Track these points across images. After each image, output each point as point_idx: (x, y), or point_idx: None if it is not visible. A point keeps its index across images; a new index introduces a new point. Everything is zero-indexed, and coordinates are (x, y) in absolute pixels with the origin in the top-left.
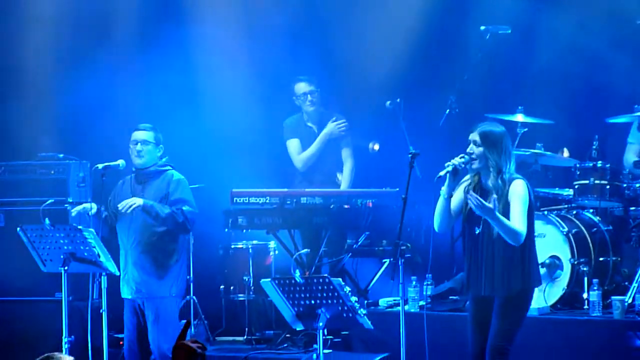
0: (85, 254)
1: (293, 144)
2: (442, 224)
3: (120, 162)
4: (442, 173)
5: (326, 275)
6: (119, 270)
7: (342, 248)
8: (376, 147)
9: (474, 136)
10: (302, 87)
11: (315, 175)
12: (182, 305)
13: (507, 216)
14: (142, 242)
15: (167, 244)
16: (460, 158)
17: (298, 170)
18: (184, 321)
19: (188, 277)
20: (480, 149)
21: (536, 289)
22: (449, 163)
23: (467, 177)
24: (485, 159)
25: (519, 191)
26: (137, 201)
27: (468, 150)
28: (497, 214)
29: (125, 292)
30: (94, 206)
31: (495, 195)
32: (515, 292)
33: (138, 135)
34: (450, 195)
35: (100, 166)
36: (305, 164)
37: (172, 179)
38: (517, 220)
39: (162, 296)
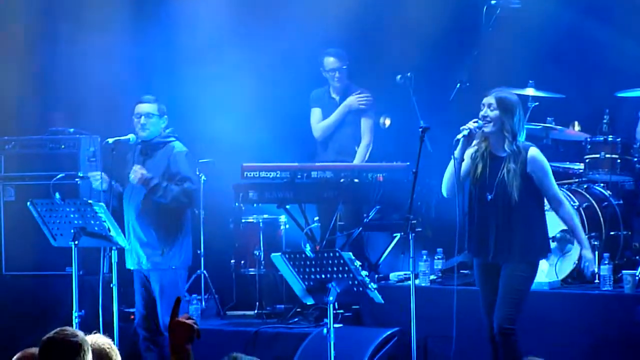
0: (96, 228)
1: (314, 113)
2: (451, 188)
3: (131, 136)
4: (459, 136)
5: (337, 249)
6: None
7: (357, 222)
8: (387, 122)
9: (490, 100)
10: (331, 62)
11: (331, 145)
12: (188, 277)
13: (524, 181)
14: (145, 214)
15: (170, 216)
16: (474, 122)
17: (315, 139)
18: (194, 295)
19: (199, 251)
20: (496, 112)
21: (547, 263)
22: (464, 127)
23: (474, 142)
24: (501, 122)
25: (541, 161)
26: (145, 175)
27: (482, 113)
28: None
29: (130, 263)
30: (105, 177)
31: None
32: (525, 260)
33: (141, 108)
34: (462, 160)
35: (110, 140)
36: (322, 133)
37: (173, 151)
38: (556, 195)
39: (164, 268)
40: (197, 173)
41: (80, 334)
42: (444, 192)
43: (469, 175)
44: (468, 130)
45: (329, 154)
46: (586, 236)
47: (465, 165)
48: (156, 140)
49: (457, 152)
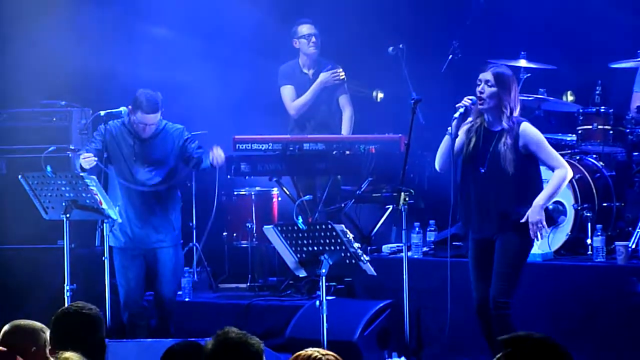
0: (87, 201)
1: (287, 91)
2: (444, 162)
3: (123, 109)
4: (456, 115)
5: (329, 221)
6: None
7: (337, 195)
8: (380, 95)
9: (487, 76)
10: (305, 28)
11: (308, 123)
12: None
13: (518, 155)
14: (148, 194)
15: (167, 192)
16: (469, 99)
17: (291, 117)
18: (187, 268)
19: (191, 223)
20: (493, 89)
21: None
22: (460, 104)
23: (469, 119)
24: (498, 99)
25: (533, 133)
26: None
27: (479, 89)
28: (540, 198)
29: (125, 242)
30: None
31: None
32: (520, 232)
33: (146, 119)
34: (456, 135)
35: (102, 113)
36: (298, 111)
37: (173, 132)
38: (556, 160)
39: (177, 243)
40: None
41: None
42: (437, 167)
43: (462, 150)
44: (464, 108)
45: (307, 131)
46: (552, 201)
47: (459, 140)
48: (155, 131)
49: (451, 129)
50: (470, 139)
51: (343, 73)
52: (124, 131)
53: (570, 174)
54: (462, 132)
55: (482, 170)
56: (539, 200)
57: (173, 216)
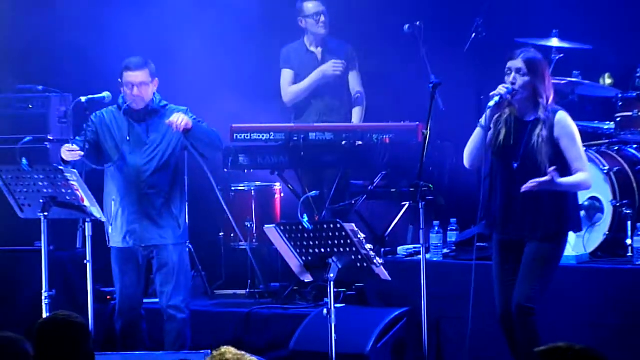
0: (68, 197)
1: (285, 74)
2: (475, 159)
3: (106, 94)
4: (491, 103)
5: (338, 220)
6: (105, 215)
7: (346, 190)
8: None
9: (517, 63)
10: (312, 5)
11: (313, 107)
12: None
13: (554, 148)
14: (145, 183)
15: (180, 183)
16: (504, 87)
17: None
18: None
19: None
20: (526, 78)
21: (574, 235)
22: (494, 92)
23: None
24: (532, 88)
25: (569, 126)
26: (185, 119)
27: (510, 80)
28: (559, 181)
29: (122, 241)
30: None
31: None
32: (552, 236)
33: (133, 77)
34: (489, 128)
35: (83, 99)
36: (292, 99)
37: (178, 110)
38: (581, 162)
39: (181, 242)
40: None
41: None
42: (466, 164)
43: (492, 143)
44: (499, 97)
45: (311, 118)
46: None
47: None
48: (151, 107)
49: (483, 120)
50: (499, 131)
51: (341, 67)
52: (117, 114)
53: (590, 186)
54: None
55: (515, 166)
56: (560, 180)
57: (176, 210)
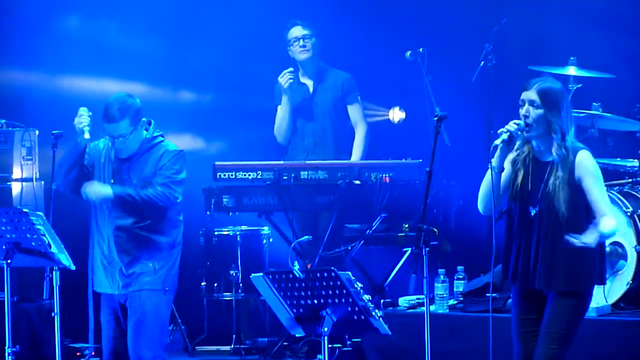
0: (33, 243)
1: (278, 111)
2: (490, 204)
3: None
4: (497, 142)
5: (332, 268)
6: (74, 263)
7: (341, 235)
8: (398, 116)
9: (531, 95)
10: (295, 31)
11: (307, 144)
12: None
13: (573, 192)
14: (130, 223)
15: (163, 222)
16: (515, 124)
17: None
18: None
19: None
20: (540, 111)
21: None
22: (502, 129)
23: (516, 146)
24: (547, 123)
25: (591, 167)
26: (105, 191)
27: (523, 112)
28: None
29: (107, 286)
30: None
31: (560, 173)
32: (577, 288)
33: (109, 129)
34: (502, 169)
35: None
36: (279, 136)
37: (163, 150)
38: (605, 207)
39: (155, 289)
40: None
41: None
42: (481, 209)
43: (509, 185)
44: (508, 134)
45: (297, 155)
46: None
47: (505, 173)
48: (142, 148)
49: (494, 160)
50: (517, 172)
51: (289, 76)
52: (109, 146)
53: (617, 230)
54: (507, 163)
55: (534, 212)
56: (591, 235)
57: (154, 254)
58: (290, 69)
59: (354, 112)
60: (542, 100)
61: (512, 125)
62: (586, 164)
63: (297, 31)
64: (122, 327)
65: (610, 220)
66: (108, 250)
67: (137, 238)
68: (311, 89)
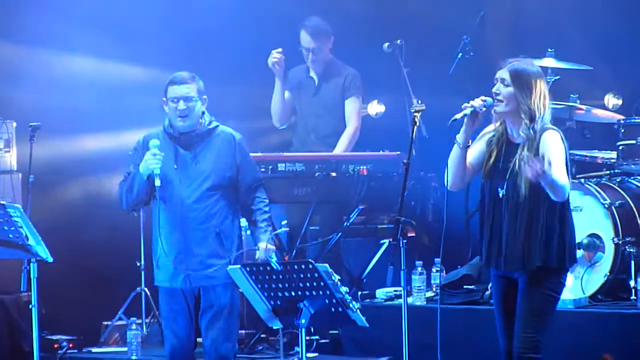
0: (10, 235)
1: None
2: (455, 179)
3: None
4: (458, 116)
5: (310, 260)
6: (51, 256)
7: (335, 225)
8: (376, 109)
9: (503, 73)
10: (305, 40)
11: (308, 137)
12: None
13: None
14: (208, 214)
15: (233, 214)
16: (482, 100)
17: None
18: (133, 318)
19: (138, 263)
20: (510, 89)
21: (572, 276)
22: (467, 104)
23: (491, 126)
24: (516, 102)
25: (553, 141)
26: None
27: (494, 90)
28: (552, 174)
29: (165, 280)
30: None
31: (526, 152)
32: (544, 269)
33: (179, 90)
34: (467, 145)
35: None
36: (275, 119)
37: (234, 140)
38: (558, 172)
39: (227, 282)
40: None
41: None
42: (447, 185)
43: (482, 165)
44: (472, 109)
45: (308, 146)
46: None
47: (478, 152)
48: (199, 131)
49: (459, 136)
50: (491, 153)
51: (276, 56)
52: (165, 138)
53: (567, 192)
54: (483, 142)
55: (501, 193)
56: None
57: (230, 244)
58: (279, 49)
59: (349, 107)
60: (512, 79)
61: (477, 102)
62: (550, 140)
63: (307, 41)
64: (191, 319)
65: (564, 177)
66: (184, 244)
67: (215, 234)
68: (316, 84)
